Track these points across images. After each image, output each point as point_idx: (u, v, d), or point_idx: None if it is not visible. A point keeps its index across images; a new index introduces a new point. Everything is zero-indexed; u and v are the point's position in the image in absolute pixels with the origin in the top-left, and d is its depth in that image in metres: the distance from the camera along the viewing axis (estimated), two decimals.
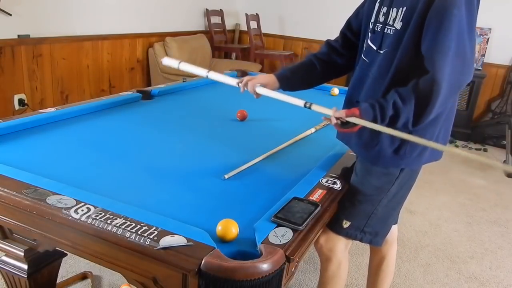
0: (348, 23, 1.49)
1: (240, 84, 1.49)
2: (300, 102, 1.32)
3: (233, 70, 3.20)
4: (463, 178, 3.74)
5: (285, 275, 0.97)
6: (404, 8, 1.21)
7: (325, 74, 1.52)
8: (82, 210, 1.04)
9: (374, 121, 1.17)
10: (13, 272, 1.31)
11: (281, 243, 0.98)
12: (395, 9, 1.25)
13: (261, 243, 0.97)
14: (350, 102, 1.39)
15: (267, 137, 1.85)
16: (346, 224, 1.40)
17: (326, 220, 1.24)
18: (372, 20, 1.34)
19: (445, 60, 1.12)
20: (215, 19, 5.43)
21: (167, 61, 1.66)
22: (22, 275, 1.29)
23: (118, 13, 4.15)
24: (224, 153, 1.64)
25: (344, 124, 1.21)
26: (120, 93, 2.22)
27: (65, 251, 1.28)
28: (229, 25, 5.74)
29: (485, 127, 4.72)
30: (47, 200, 1.07)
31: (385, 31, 1.27)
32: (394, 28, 1.24)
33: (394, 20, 1.25)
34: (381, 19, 1.29)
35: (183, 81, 2.65)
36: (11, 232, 1.27)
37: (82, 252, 1.08)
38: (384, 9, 1.29)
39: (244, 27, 5.66)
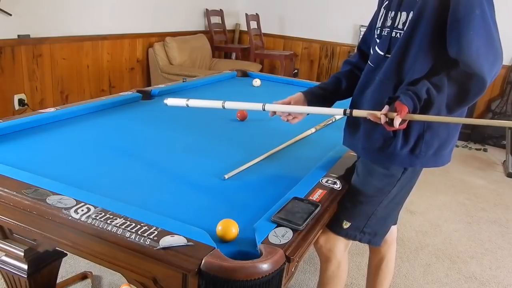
0: (363, 37, 1.51)
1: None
2: (339, 111, 1.29)
3: (233, 70, 3.20)
4: (463, 178, 3.74)
5: (285, 275, 0.97)
6: (414, 11, 1.21)
7: (350, 87, 1.51)
8: (82, 210, 1.04)
9: (414, 110, 1.16)
10: (13, 272, 1.31)
11: (281, 243, 0.98)
12: (404, 13, 1.24)
13: (261, 243, 0.97)
14: (354, 105, 1.38)
15: (267, 137, 1.85)
16: (346, 224, 1.40)
17: (326, 220, 1.24)
18: (378, 25, 1.33)
19: (480, 60, 1.13)
20: (215, 19, 5.43)
21: (172, 102, 1.55)
22: (22, 275, 1.29)
23: (118, 13, 4.15)
24: (224, 153, 1.64)
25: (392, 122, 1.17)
26: (120, 93, 2.22)
27: (65, 251, 1.28)
28: (229, 25, 5.74)
29: (485, 127, 4.72)
30: (47, 200, 1.07)
31: (393, 35, 1.27)
32: (402, 32, 1.24)
33: (404, 23, 1.24)
34: (388, 23, 1.29)
35: (183, 81, 2.65)
36: (11, 232, 1.27)
37: (82, 252, 1.08)
38: (392, 13, 1.28)
39: (244, 27, 5.66)
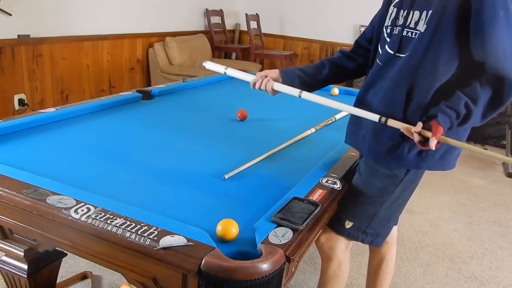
0: (364, 33, 1.49)
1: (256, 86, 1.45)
2: (374, 117, 1.25)
3: None
4: (463, 178, 3.74)
5: (285, 275, 0.96)
6: (430, 11, 1.18)
7: (333, 74, 1.50)
8: (82, 210, 1.04)
9: (450, 128, 1.16)
10: (13, 272, 1.31)
11: (281, 243, 0.98)
12: (417, 12, 1.22)
13: (261, 243, 0.97)
14: (361, 103, 1.36)
15: (267, 137, 1.85)
16: (348, 224, 1.40)
17: (326, 220, 1.24)
18: (388, 24, 1.31)
19: (508, 62, 1.12)
20: (215, 19, 5.43)
21: (211, 66, 1.55)
22: (22, 275, 1.29)
23: (118, 13, 4.15)
24: (224, 153, 1.64)
25: (427, 141, 1.14)
26: (120, 93, 2.22)
27: (65, 251, 1.28)
28: (229, 25, 5.74)
29: (485, 127, 4.72)
30: (47, 200, 1.07)
31: (404, 34, 1.25)
32: (417, 32, 1.21)
33: (416, 23, 1.22)
34: (400, 22, 1.27)
35: (183, 81, 2.65)
36: (11, 232, 1.27)
37: (82, 252, 1.08)
38: (404, 12, 1.26)
39: (244, 27, 5.66)
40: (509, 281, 2.33)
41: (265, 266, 0.88)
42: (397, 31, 1.28)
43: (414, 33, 1.23)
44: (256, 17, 5.54)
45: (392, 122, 1.22)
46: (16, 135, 1.58)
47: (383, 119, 1.22)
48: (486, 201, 3.34)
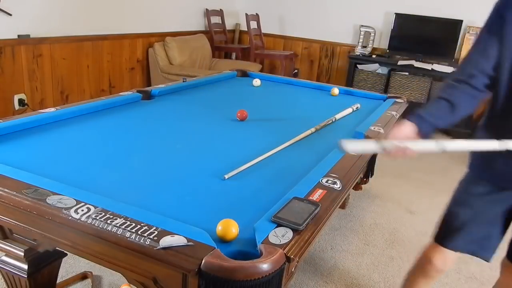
0: (480, 68, 1.30)
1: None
2: (493, 145, 1.17)
3: (233, 70, 3.21)
4: None
5: (285, 275, 0.97)
6: None
7: (465, 107, 1.38)
8: (82, 210, 1.04)
9: None
10: (13, 272, 1.31)
11: (281, 243, 0.98)
12: None
13: (261, 243, 0.97)
14: None
15: (267, 137, 1.85)
16: None
17: (326, 220, 1.24)
18: None
19: None
20: (215, 19, 5.43)
21: (354, 148, 1.29)
22: (22, 275, 1.29)
23: (118, 13, 4.15)
24: (224, 153, 1.64)
25: None
26: (120, 93, 2.22)
27: (65, 251, 1.28)
28: (229, 25, 5.74)
29: None
30: (47, 200, 1.07)
31: None
32: None
33: None
34: None
35: (183, 81, 2.65)
36: (11, 232, 1.27)
37: (82, 252, 1.08)
38: None
39: (244, 27, 5.66)
40: None
41: (265, 266, 0.88)
42: None
43: None
44: (256, 17, 5.54)
45: None
46: (16, 135, 1.58)
47: (503, 143, 1.12)
48: None
